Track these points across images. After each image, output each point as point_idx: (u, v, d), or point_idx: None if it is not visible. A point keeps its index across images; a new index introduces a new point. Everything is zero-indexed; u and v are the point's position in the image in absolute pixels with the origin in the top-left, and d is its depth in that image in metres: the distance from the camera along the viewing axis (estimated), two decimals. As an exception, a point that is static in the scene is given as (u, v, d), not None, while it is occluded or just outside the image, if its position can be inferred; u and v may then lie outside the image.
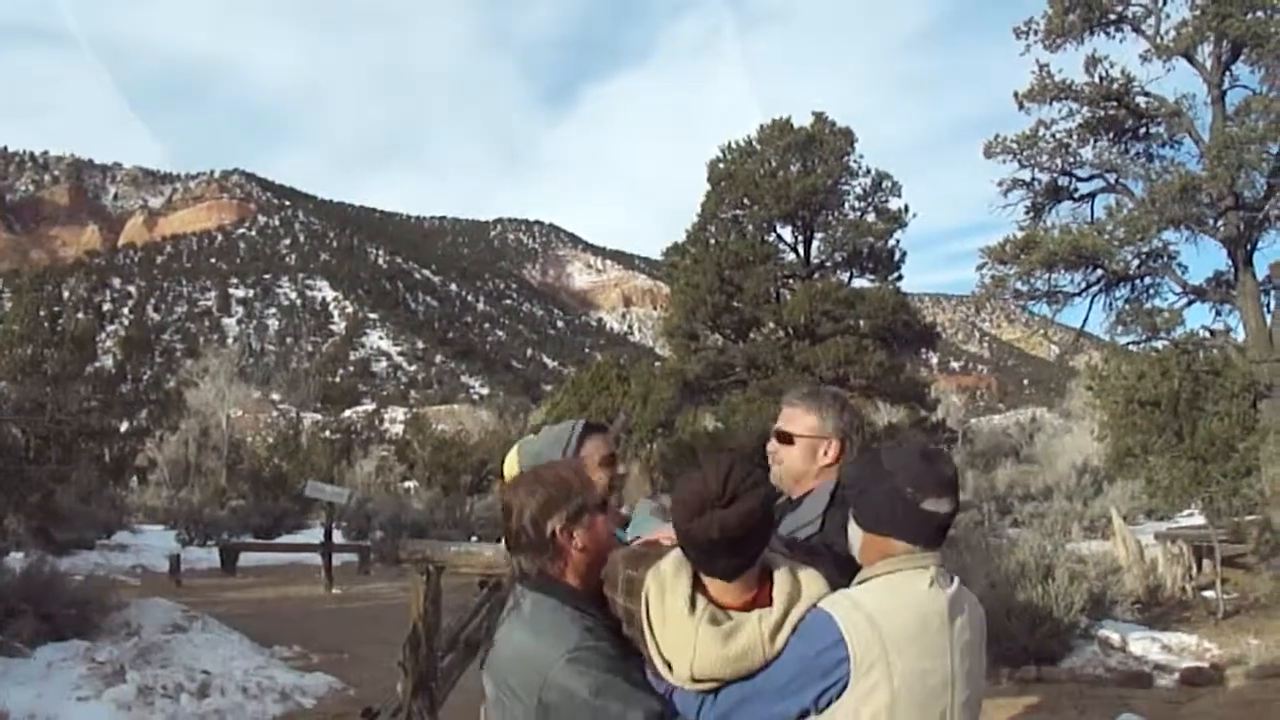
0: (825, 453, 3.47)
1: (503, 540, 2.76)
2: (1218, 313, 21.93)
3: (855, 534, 2.83)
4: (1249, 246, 20.87)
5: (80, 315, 25.13)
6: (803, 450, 3.49)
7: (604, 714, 2.50)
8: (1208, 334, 21.26)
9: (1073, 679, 10.68)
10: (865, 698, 2.54)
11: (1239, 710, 9.27)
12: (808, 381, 27.84)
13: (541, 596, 2.70)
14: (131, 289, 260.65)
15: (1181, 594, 15.15)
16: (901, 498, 2.70)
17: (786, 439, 3.53)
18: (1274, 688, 9.92)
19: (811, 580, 2.69)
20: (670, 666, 2.61)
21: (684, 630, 2.60)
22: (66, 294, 25.92)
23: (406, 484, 51.21)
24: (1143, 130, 22.59)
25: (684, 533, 2.59)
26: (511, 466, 3.53)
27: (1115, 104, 21.94)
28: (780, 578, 2.65)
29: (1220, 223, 20.87)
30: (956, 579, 2.78)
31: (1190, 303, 21.88)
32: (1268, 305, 20.86)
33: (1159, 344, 21.07)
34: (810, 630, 2.58)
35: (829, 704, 2.56)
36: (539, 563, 2.72)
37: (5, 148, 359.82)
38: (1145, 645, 11.66)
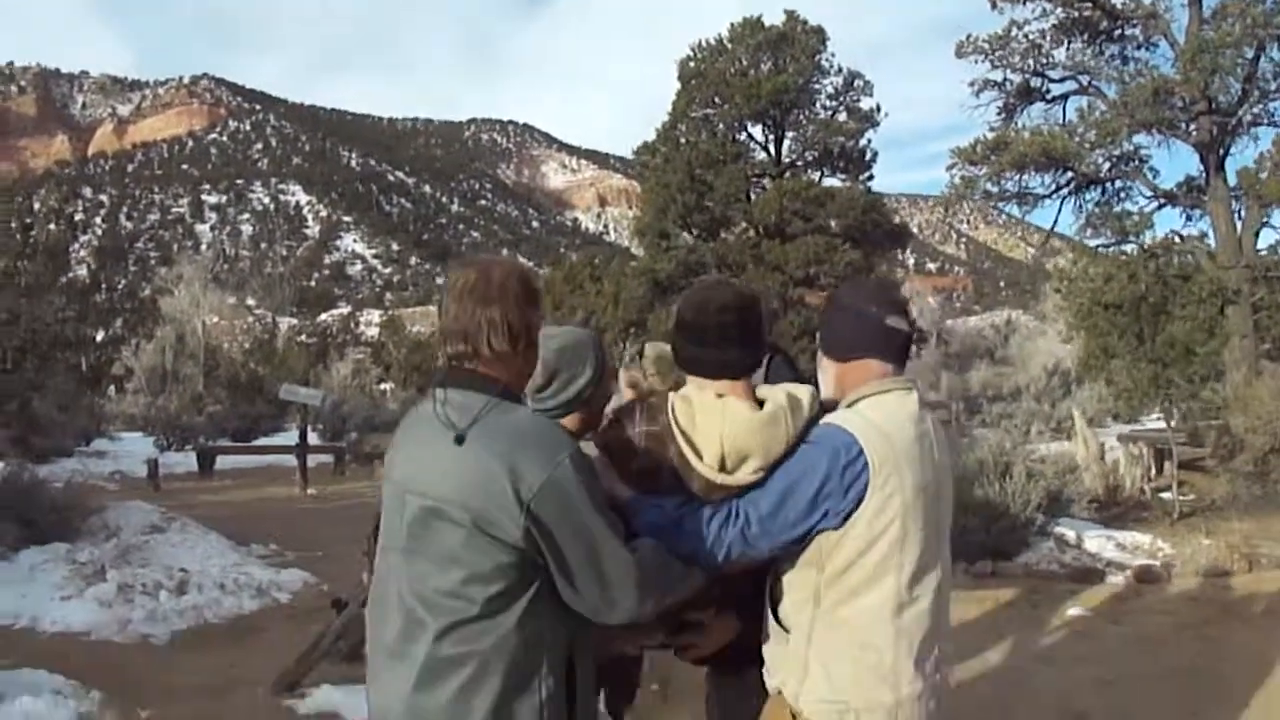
0: None
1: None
2: (1188, 218, 21.91)
3: (827, 370, 3.00)
4: (1221, 152, 20.77)
5: (52, 226, 24.91)
6: None
7: (591, 525, 2.46)
8: (1178, 239, 21.33)
9: (1027, 574, 10.90)
10: (883, 507, 2.67)
11: (1184, 605, 9.53)
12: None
13: (510, 404, 2.58)
14: (103, 198, 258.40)
15: (1140, 495, 15.32)
16: (866, 317, 2.89)
17: None
18: (1220, 585, 10.18)
19: (803, 387, 2.97)
20: (701, 455, 2.81)
21: (713, 410, 2.83)
22: (38, 205, 25.70)
23: (382, 386, 51.37)
24: (1117, 32, 22.36)
25: (699, 326, 2.91)
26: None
27: (1090, 5, 21.68)
28: (777, 387, 2.92)
29: (1193, 127, 20.80)
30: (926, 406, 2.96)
31: (1161, 207, 21.86)
32: (1238, 211, 20.88)
33: (1128, 247, 21.12)
34: (832, 442, 2.72)
35: (847, 518, 2.67)
36: (498, 364, 2.59)
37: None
38: (1100, 543, 11.88)
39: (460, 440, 2.45)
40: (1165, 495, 14.90)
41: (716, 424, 2.79)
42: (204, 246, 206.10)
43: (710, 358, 2.91)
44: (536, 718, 2.49)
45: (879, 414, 2.79)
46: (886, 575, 2.69)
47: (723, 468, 2.80)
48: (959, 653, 7.96)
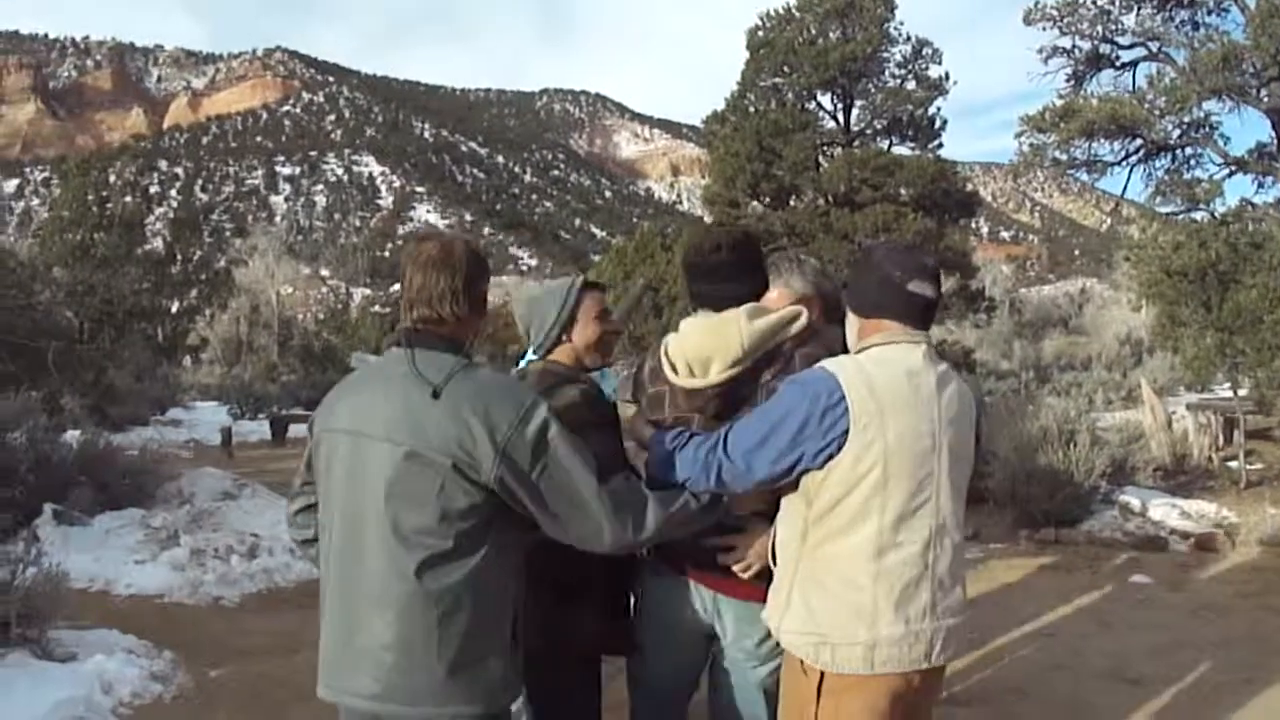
0: (811, 312, 3.60)
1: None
2: (1260, 185, 21.52)
3: (852, 323, 3.13)
4: (1294, 118, 20.48)
5: (128, 199, 25.26)
6: None
7: (566, 460, 2.76)
8: (1249, 206, 20.99)
9: (1090, 541, 10.89)
10: (862, 452, 2.80)
11: (1246, 573, 9.49)
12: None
13: (474, 364, 2.89)
14: (178, 170, 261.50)
15: (1207, 464, 15.18)
16: (890, 281, 3.00)
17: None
18: (1283, 555, 10.15)
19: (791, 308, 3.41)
20: (693, 371, 3.29)
21: (708, 322, 3.34)
22: (113, 178, 26.03)
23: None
24: (1188, -2, 22.06)
25: (698, 265, 3.44)
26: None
27: (1161, -30, 21.40)
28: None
29: (1264, 93, 20.42)
30: (947, 364, 3.03)
31: (1231, 174, 21.43)
32: (1312, 178, 20.50)
33: (1198, 215, 20.82)
34: (815, 384, 2.88)
35: (829, 459, 2.83)
36: (456, 325, 2.92)
37: (47, 34, 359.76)
38: (1165, 511, 11.81)
39: (437, 394, 2.75)
40: (1233, 464, 14.74)
41: (712, 335, 3.27)
42: (278, 218, 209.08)
43: (711, 291, 3.41)
44: (504, 651, 2.79)
45: (873, 363, 2.92)
46: (869, 517, 2.81)
47: (691, 374, 3.28)
48: (1016, 617, 8.03)
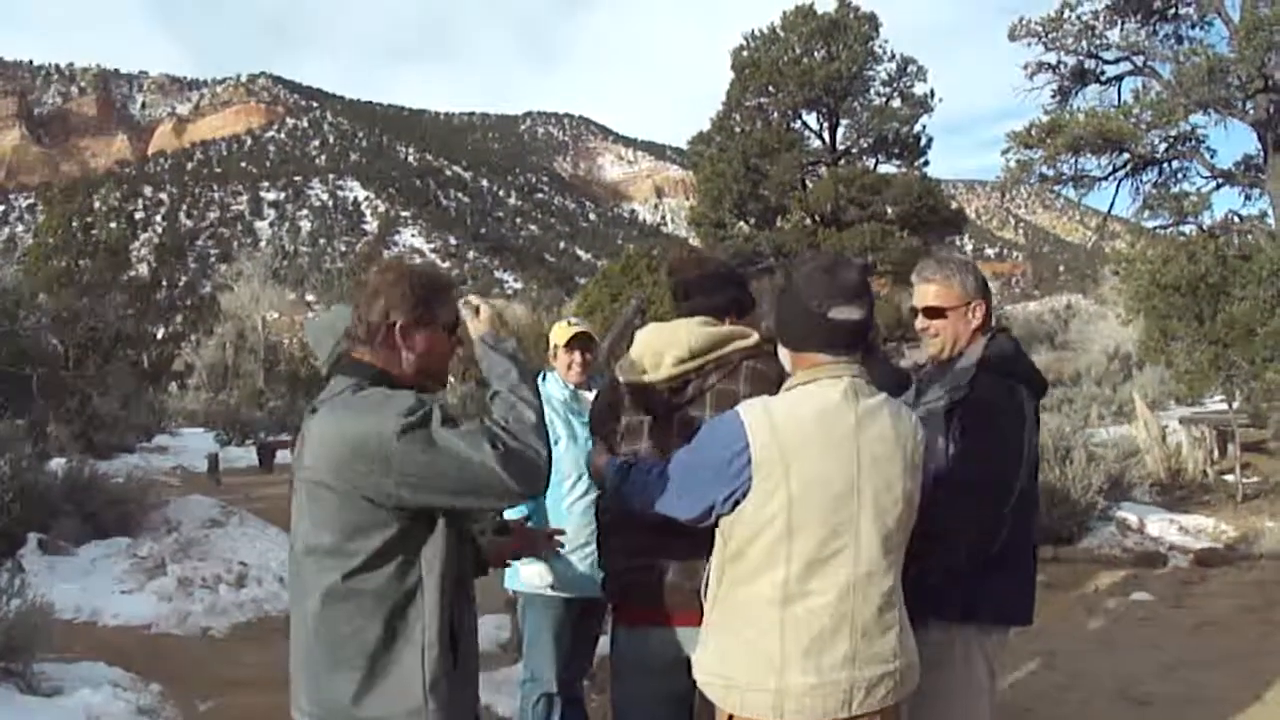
0: (974, 315, 3.62)
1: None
2: (1247, 197, 21.61)
3: (784, 356, 2.99)
4: (1279, 130, 20.56)
5: (113, 225, 25.22)
6: (955, 319, 3.64)
7: (449, 456, 2.68)
8: (1237, 219, 21.03)
9: (1089, 558, 10.84)
10: (766, 500, 2.69)
11: (1247, 589, 9.39)
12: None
13: (372, 386, 2.86)
14: (163, 196, 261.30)
15: (1202, 478, 15.17)
16: (809, 311, 2.82)
17: (937, 314, 3.66)
18: (1285, 568, 10.08)
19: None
20: (648, 368, 3.46)
21: (661, 325, 3.55)
22: (98, 204, 26.00)
23: (442, 380, 51.60)
24: (1171, 11, 22.09)
25: (677, 280, 3.66)
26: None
27: (1143, -16, 21.50)
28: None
29: (1250, 106, 20.49)
30: (884, 395, 2.89)
31: (1219, 186, 21.56)
32: (1298, 190, 20.55)
33: (1186, 228, 20.86)
34: (720, 432, 2.82)
35: (735, 505, 2.74)
36: (370, 353, 2.93)
37: (31, 61, 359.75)
38: (1163, 526, 11.78)
39: (314, 411, 2.86)
40: (1228, 478, 14.70)
41: (670, 335, 3.47)
42: (263, 243, 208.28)
43: (683, 310, 3.58)
44: (418, 661, 2.78)
45: (785, 404, 2.81)
46: (775, 566, 2.72)
47: (644, 372, 3.47)
48: (1018, 637, 7.91)
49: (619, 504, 3.23)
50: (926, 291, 3.69)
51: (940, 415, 3.47)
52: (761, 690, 2.71)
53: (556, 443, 4.61)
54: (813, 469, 2.69)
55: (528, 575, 4.73)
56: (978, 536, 3.34)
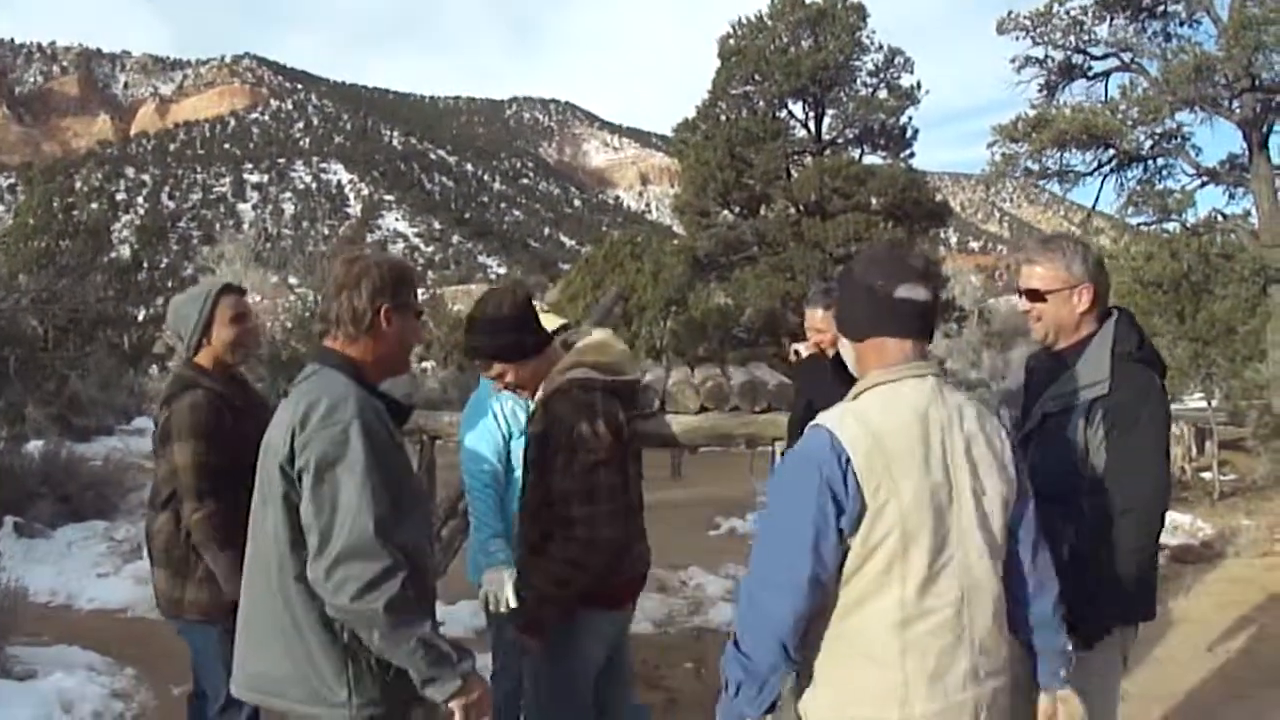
0: (1080, 299, 3.45)
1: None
2: (1231, 196, 21.63)
3: (847, 350, 2.82)
4: (1265, 129, 20.38)
5: (94, 206, 25.08)
6: (1056, 303, 3.48)
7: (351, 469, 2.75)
8: (1220, 217, 21.06)
9: (1066, 555, 10.83)
10: (876, 517, 2.50)
11: (1224, 586, 9.41)
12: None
13: (333, 370, 2.95)
14: (145, 178, 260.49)
15: (1180, 475, 15.17)
16: (875, 292, 2.67)
17: (1037, 297, 3.52)
18: (1261, 566, 10.08)
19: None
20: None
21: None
22: (79, 185, 25.88)
23: (423, 364, 51.40)
24: (1160, 8, 22.04)
25: (469, 316, 3.86)
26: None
27: (1133, -20, 21.48)
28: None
29: (1236, 104, 20.50)
30: (964, 392, 2.77)
31: (1203, 184, 21.58)
32: (1281, 190, 20.61)
33: (1170, 226, 20.89)
34: (816, 454, 2.55)
35: (852, 528, 2.51)
36: (346, 337, 3.01)
37: (13, 39, 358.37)
38: (1140, 522, 11.76)
39: (284, 395, 2.99)
40: (1206, 475, 14.74)
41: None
42: (246, 226, 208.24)
43: (464, 346, 3.98)
44: (340, 663, 2.83)
45: (877, 411, 2.61)
46: (889, 587, 2.54)
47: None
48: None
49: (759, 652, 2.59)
50: (1030, 274, 3.54)
51: (1080, 410, 3.38)
52: None
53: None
54: (918, 477, 2.54)
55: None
56: (1157, 538, 3.37)
